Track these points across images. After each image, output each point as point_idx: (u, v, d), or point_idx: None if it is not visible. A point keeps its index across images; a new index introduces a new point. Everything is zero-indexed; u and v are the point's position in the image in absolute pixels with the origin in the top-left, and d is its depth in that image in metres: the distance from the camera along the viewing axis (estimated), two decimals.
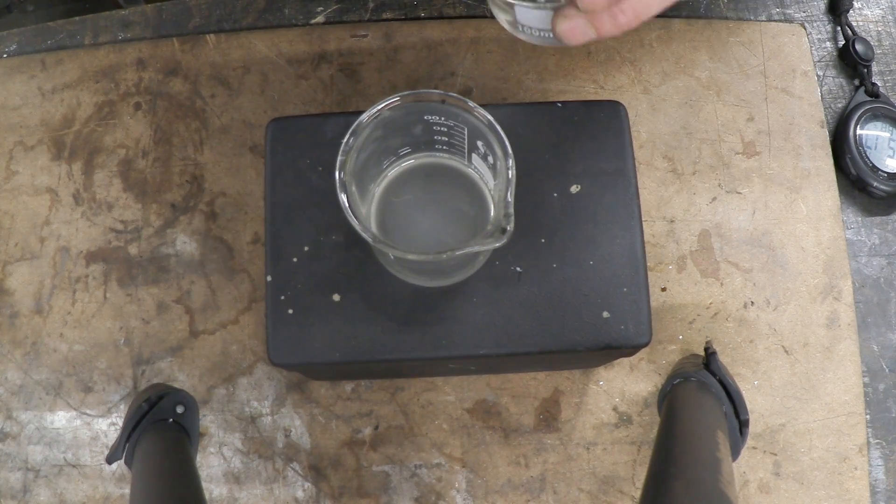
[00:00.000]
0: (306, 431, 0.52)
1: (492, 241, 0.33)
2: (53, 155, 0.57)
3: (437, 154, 0.40)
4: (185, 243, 0.55)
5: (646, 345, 0.40)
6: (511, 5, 0.34)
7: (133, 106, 0.57)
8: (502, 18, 0.37)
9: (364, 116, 0.35)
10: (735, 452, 0.47)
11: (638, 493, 0.51)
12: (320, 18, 0.59)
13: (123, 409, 0.52)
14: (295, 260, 0.41)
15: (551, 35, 0.35)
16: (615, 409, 0.52)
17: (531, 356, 0.41)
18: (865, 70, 0.58)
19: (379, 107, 0.35)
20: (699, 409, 0.46)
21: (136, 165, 0.56)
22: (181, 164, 0.56)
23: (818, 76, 0.59)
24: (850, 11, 0.60)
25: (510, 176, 0.34)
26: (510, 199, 0.33)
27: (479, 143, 0.37)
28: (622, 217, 0.41)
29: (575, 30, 0.33)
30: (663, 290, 0.54)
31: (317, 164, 0.42)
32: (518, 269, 0.41)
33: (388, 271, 0.40)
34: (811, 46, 0.59)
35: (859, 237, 0.56)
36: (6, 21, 0.60)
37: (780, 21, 0.60)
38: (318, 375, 0.51)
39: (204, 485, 0.47)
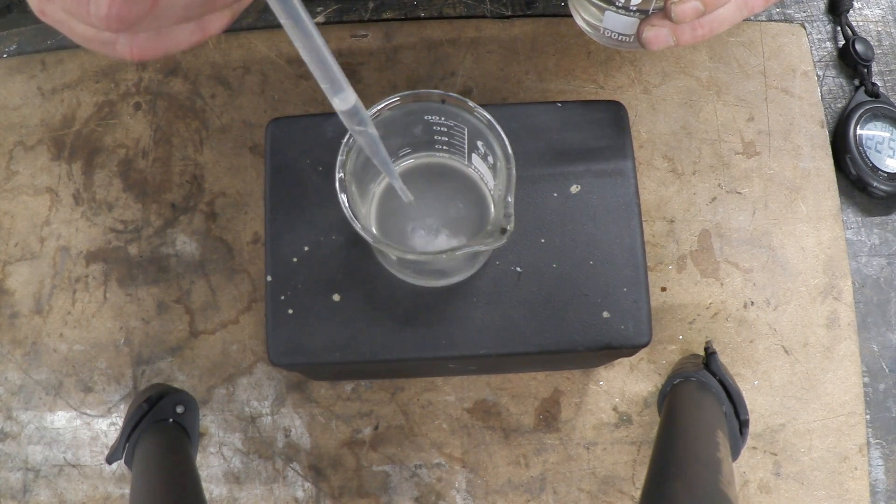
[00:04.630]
0: (306, 431, 0.52)
1: (492, 241, 0.33)
2: (53, 155, 0.57)
3: (437, 154, 0.40)
4: (185, 243, 0.55)
5: (646, 345, 0.40)
6: (602, 9, 0.38)
7: (133, 106, 0.57)
8: (582, 19, 0.40)
9: None
10: (735, 452, 0.47)
11: (638, 493, 0.51)
12: (320, 18, 0.59)
13: (123, 409, 0.52)
14: (295, 260, 0.41)
15: (629, 40, 0.39)
16: (615, 409, 0.52)
17: (531, 356, 0.41)
18: (865, 70, 0.58)
19: (379, 107, 0.35)
20: (699, 409, 0.46)
21: (136, 165, 0.56)
22: (181, 164, 0.56)
23: (818, 76, 0.59)
24: (850, 11, 0.60)
25: (510, 176, 0.34)
26: (510, 199, 0.33)
27: (479, 144, 0.37)
28: (622, 217, 0.41)
29: (658, 37, 0.36)
30: (663, 290, 0.54)
31: (317, 164, 0.42)
32: (518, 269, 0.41)
33: (388, 271, 0.40)
34: (811, 46, 0.59)
35: (859, 237, 0.56)
36: (6, 21, 0.60)
37: (780, 21, 0.60)
38: (318, 375, 0.51)
39: (204, 485, 0.47)
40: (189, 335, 0.53)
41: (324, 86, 0.29)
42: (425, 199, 0.40)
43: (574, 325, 0.40)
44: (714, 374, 0.48)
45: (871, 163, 0.55)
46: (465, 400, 0.52)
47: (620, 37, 0.39)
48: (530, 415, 0.52)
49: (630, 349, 0.41)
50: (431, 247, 0.39)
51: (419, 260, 0.36)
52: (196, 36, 0.33)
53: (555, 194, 0.42)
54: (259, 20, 0.59)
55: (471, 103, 0.35)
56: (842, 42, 0.59)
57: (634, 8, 0.36)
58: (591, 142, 0.42)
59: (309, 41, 0.27)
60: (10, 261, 0.55)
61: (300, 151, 0.42)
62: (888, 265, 0.56)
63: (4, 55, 0.60)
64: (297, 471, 0.52)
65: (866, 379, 0.53)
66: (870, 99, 0.57)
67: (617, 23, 0.38)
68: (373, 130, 0.31)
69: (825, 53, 0.60)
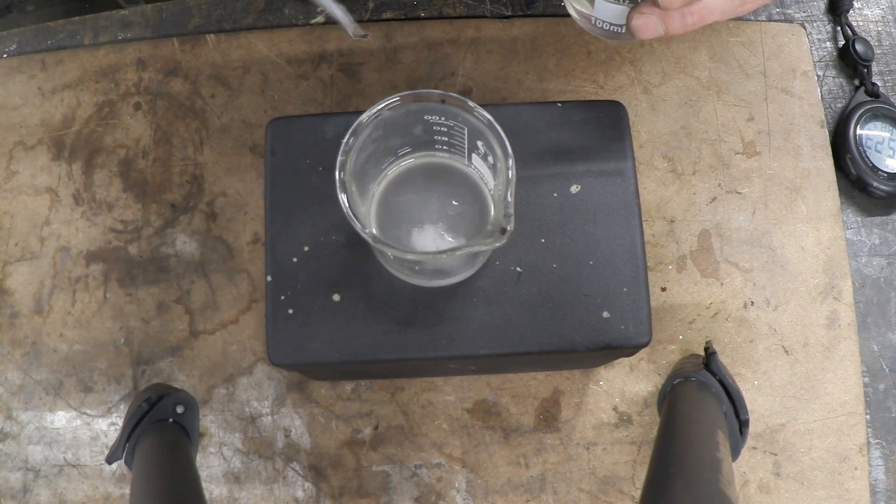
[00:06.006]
0: (306, 431, 0.52)
1: (492, 241, 0.33)
2: (53, 155, 0.57)
3: (437, 154, 0.40)
4: (185, 243, 0.55)
5: (646, 345, 0.40)
6: (592, 0, 0.38)
7: (133, 106, 0.57)
8: (574, 9, 0.41)
9: (364, 116, 0.35)
10: (735, 452, 0.47)
11: (638, 493, 0.51)
12: (320, 18, 0.59)
13: (123, 409, 0.52)
14: (295, 260, 0.41)
15: (620, 30, 0.39)
16: (615, 409, 0.52)
17: (531, 356, 0.41)
18: (865, 70, 0.58)
19: (379, 107, 0.35)
20: (699, 409, 0.46)
21: (136, 165, 0.56)
22: (181, 164, 0.56)
23: (818, 76, 0.59)
24: (850, 11, 0.60)
25: (510, 176, 0.34)
26: (510, 199, 0.33)
27: (479, 143, 0.37)
28: (622, 217, 0.41)
29: (648, 25, 0.37)
30: (663, 290, 0.54)
31: (317, 164, 0.42)
32: (518, 269, 0.41)
33: (388, 271, 0.40)
34: (811, 46, 0.59)
35: (859, 237, 0.56)
36: (6, 21, 0.60)
37: (780, 21, 0.60)
38: (318, 375, 0.51)
39: (204, 485, 0.47)
40: (189, 335, 0.53)
41: None
42: (425, 199, 0.41)
43: (574, 325, 0.40)
44: (714, 374, 0.48)
45: (871, 163, 0.55)
46: (465, 400, 0.52)
47: (612, 27, 0.39)
48: (530, 415, 0.52)
49: (630, 349, 0.41)
50: (431, 247, 0.39)
51: (418, 260, 0.36)
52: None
53: (555, 194, 0.42)
54: (259, 20, 0.59)
55: (471, 103, 0.35)
56: (842, 42, 0.59)
57: None
58: (591, 142, 0.42)
59: None
60: (10, 261, 0.55)
61: (300, 151, 0.42)
62: (888, 265, 0.56)
63: (4, 55, 0.60)
64: (297, 471, 0.52)
65: (866, 379, 0.53)
66: (870, 99, 0.57)
67: (607, 12, 0.38)
68: None
69: (825, 53, 0.60)
